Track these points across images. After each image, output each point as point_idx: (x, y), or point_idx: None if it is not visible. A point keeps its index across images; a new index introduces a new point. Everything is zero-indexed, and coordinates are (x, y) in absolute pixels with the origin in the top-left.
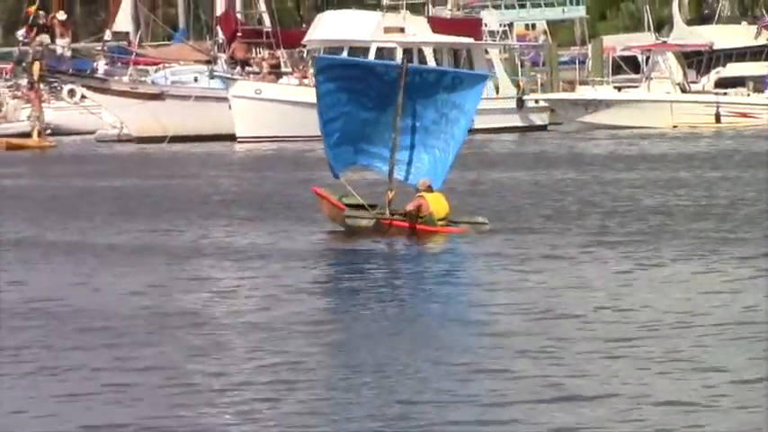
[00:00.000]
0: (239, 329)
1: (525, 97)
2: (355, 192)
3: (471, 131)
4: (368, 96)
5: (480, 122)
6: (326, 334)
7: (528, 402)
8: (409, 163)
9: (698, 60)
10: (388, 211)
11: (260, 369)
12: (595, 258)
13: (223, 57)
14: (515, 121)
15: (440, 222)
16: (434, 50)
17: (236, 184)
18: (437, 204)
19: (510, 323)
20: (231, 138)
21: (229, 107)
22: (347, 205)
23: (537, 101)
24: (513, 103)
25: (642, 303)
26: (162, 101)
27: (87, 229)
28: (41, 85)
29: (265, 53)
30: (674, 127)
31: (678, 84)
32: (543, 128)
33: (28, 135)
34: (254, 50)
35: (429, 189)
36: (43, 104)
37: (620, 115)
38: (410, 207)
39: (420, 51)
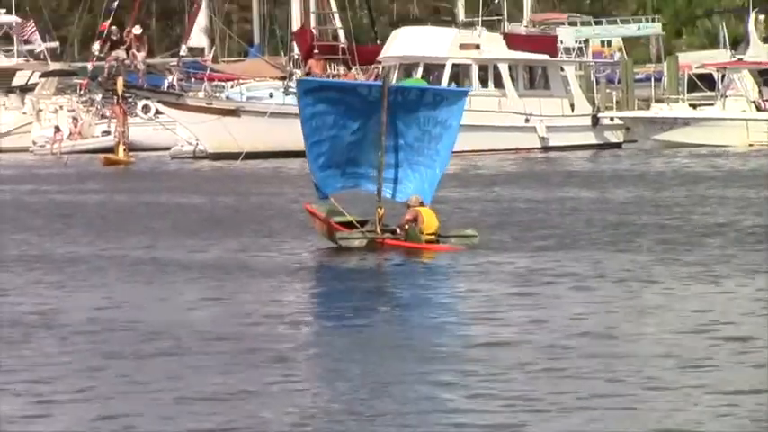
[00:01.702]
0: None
1: (600, 115)
2: (344, 208)
3: (546, 148)
4: (351, 118)
5: (555, 140)
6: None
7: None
8: (396, 181)
9: None
10: (378, 229)
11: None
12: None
13: (299, 72)
14: (590, 138)
15: (429, 237)
16: (510, 67)
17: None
18: (429, 219)
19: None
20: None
21: None
22: (338, 223)
23: (612, 118)
24: (588, 121)
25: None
26: (237, 117)
27: (175, 246)
28: (115, 101)
29: (340, 69)
30: (750, 145)
31: (753, 102)
32: (618, 146)
33: (106, 150)
34: (328, 66)
35: (421, 204)
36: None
37: (695, 133)
38: (408, 217)
39: (495, 68)
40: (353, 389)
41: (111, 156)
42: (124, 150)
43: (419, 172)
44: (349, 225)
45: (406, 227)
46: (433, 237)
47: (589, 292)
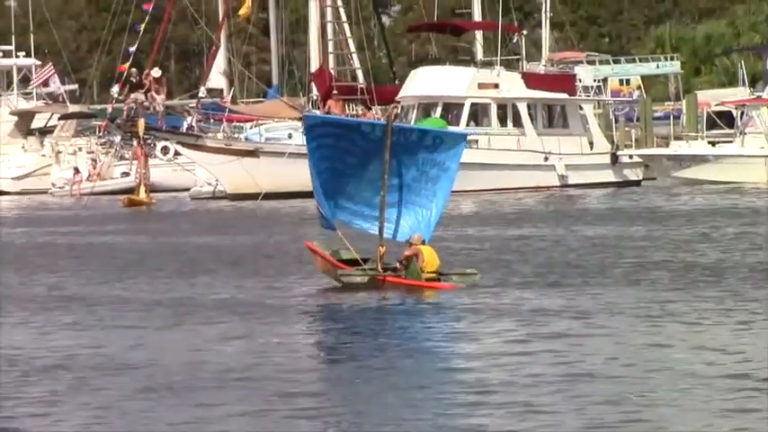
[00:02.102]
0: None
1: (619, 153)
2: (347, 244)
3: (566, 186)
4: (352, 154)
5: (575, 177)
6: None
7: None
8: (392, 220)
9: None
10: (380, 266)
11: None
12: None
13: (318, 113)
14: (609, 176)
15: (431, 275)
16: (528, 106)
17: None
18: (430, 257)
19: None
20: None
21: None
22: (340, 260)
23: (631, 156)
24: (607, 159)
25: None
26: (256, 157)
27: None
28: (135, 143)
29: (359, 109)
30: None
31: None
32: (637, 183)
33: (125, 192)
34: (346, 106)
35: (422, 243)
36: (136, 162)
37: (714, 171)
38: (408, 253)
39: (514, 107)
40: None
41: (133, 197)
42: (145, 191)
43: (415, 212)
44: (352, 262)
45: (405, 261)
46: (433, 275)
47: (592, 328)
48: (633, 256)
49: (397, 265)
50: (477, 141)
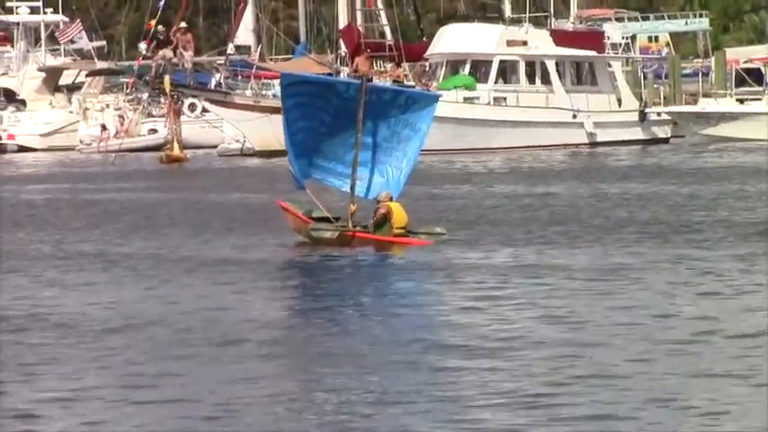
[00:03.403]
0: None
1: (647, 110)
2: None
3: (594, 144)
4: (326, 112)
5: (603, 135)
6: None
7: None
8: (363, 178)
9: None
10: (350, 224)
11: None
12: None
13: (346, 70)
14: (638, 134)
15: (399, 230)
16: (557, 63)
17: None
18: (399, 214)
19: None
20: None
21: None
22: (313, 218)
23: (659, 114)
24: (635, 116)
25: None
26: None
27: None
28: (162, 99)
29: (388, 66)
30: None
31: None
32: (666, 140)
33: (153, 149)
34: (374, 63)
35: (390, 199)
36: (162, 119)
37: (742, 128)
38: (383, 211)
39: (542, 64)
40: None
41: (172, 153)
42: (179, 148)
43: (385, 171)
44: (323, 220)
45: (379, 220)
46: (402, 231)
47: (545, 286)
48: (622, 214)
49: (371, 222)
50: (505, 99)
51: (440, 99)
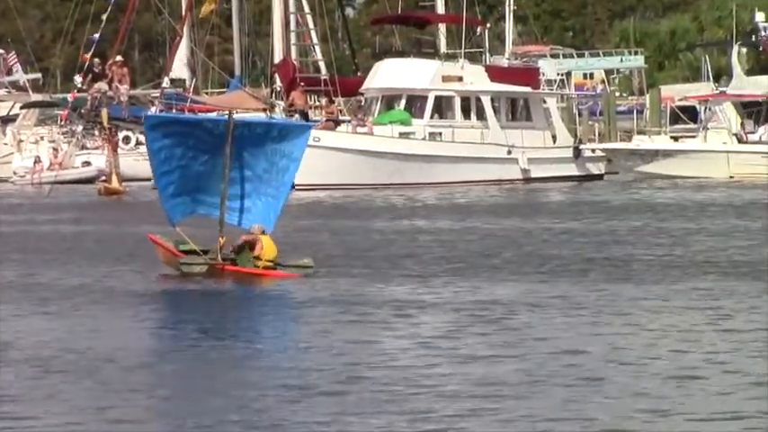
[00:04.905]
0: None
1: (582, 146)
2: (190, 238)
3: (528, 180)
4: (200, 150)
5: (537, 171)
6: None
7: None
8: (242, 210)
9: (757, 111)
10: (219, 257)
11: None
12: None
13: (281, 104)
14: (572, 170)
15: (268, 263)
16: (492, 99)
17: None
18: (269, 247)
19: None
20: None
21: None
22: (183, 251)
23: (594, 150)
24: (570, 153)
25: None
26: None
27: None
28: (97, 132)
29: (323, 101)
30: (731, 178)
31: (735, 134)
32: (600, 177)
33: (85, 181)
34: (310, 98)
35: (262, 233)
36: (96, 151)
37: (676, 165)
38: (244, 238)
39: (478, 100)
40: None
41: (110, 185)
42: (118, 180)
43: (267, 202)
44: (192, 253)
45: (237, 248)
46: (271, 264)
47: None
48: (526, 249)
49: (230, 249)
50: (441, 134)
51: (312, 128)
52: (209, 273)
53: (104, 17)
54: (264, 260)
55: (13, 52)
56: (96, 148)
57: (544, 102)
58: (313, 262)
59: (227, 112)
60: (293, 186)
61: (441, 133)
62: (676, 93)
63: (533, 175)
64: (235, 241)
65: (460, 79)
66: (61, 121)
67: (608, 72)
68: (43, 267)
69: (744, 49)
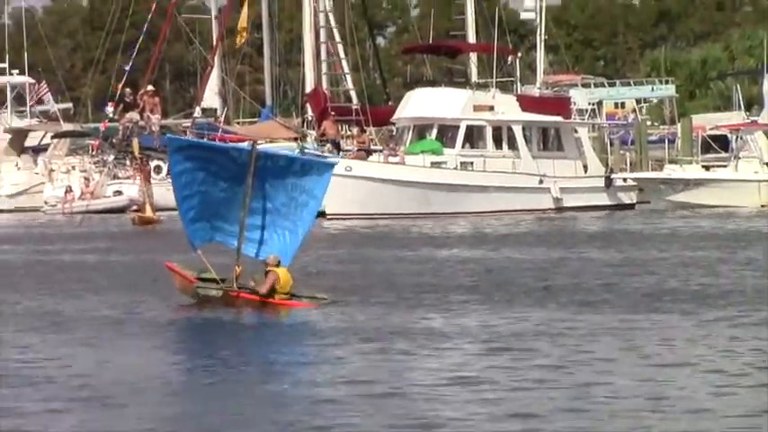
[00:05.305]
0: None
1: (613, 176)
2: (211, 266)
3: (560, 209)
4: (222, 177)
5: (569, 200)
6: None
7: None
8: (261, 241)
9: None
10: (235, 285)
11: None
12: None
13: (312, 134)
14: (604, 199)
15: (283, 296)
16: (523, 128)
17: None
18: (284, 278)
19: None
20: (320, 214)
21: None
22: (200, 279)
23: (625, 179)
24: (601, 182)
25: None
26: None
27: None
28: (128, 161)
29: (354, 130)
30: (763, 206)
31: (767, 163)
32: (632, 206)
33: (119, 210)
34: (340, 127)
35: (277, 264)
36: (128, 181)
37: (708, 195)
38: (268, 285)
39: (509, 129)
40: None
41: (144, 215)
42: (152, 209)
43: (282, 235)
44: (211, 281)
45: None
46: (286, 295)
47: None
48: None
49: (262, 287)
50: (472, 164)
51: (334, 167)
52: (225, 300)
53: (137, 47)
54: (280, 292)
55: (44, 82)
56: (128, 177)
57: (575, 131)
58: (328, 296)
59: (251, 143)
60: (324, 215)
61: (472, 163)
62: (707, 122)
63: (565, 204)
64: (255, 275)
65: (492, 109)
66: (93, 150)
67: (638, 101)
68: (86, 295)
69: None
